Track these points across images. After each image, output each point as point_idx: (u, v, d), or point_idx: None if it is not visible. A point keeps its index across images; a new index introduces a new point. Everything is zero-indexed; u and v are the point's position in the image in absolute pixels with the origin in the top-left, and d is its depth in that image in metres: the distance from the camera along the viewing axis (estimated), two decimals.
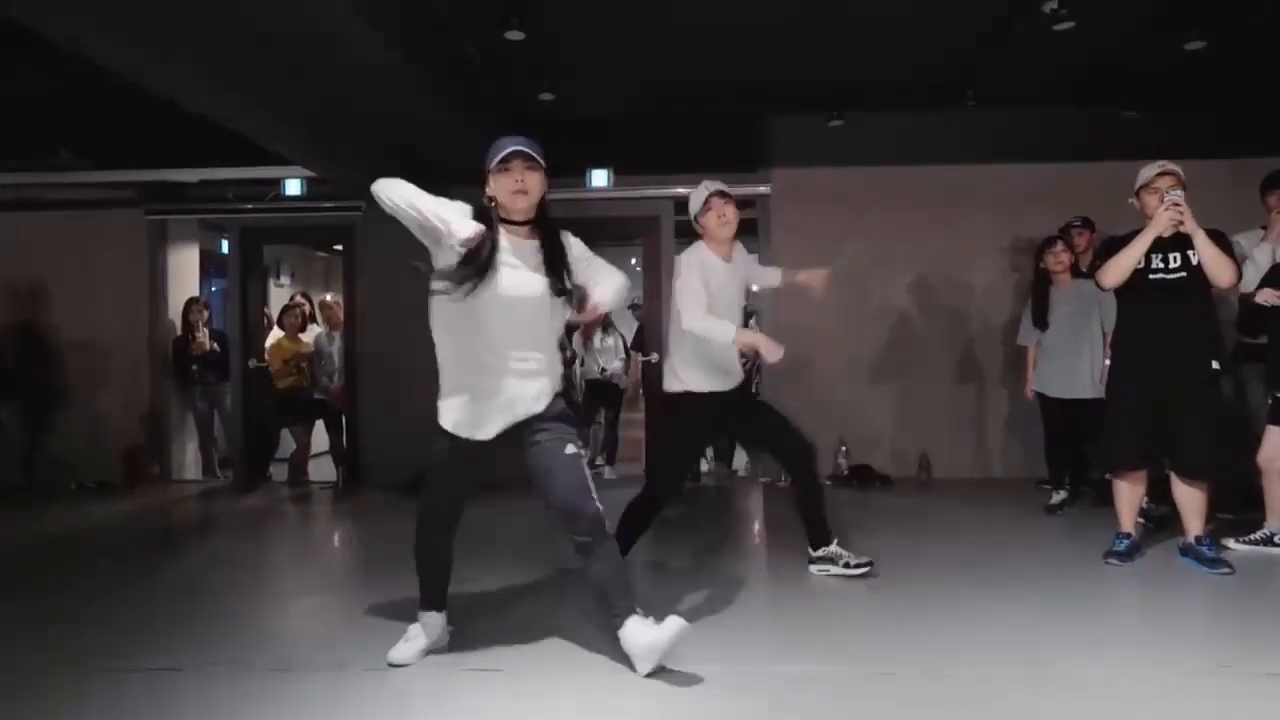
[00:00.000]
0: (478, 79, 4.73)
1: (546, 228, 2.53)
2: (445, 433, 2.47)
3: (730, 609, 3.06)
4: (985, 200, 6.04)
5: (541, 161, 2.46)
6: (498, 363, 2.41)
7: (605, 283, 2.57)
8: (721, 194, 3.28)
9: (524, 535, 4.35)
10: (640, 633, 2.36)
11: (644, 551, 3.62)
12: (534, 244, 2.49)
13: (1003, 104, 5.68)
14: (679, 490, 3.50)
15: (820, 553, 3.43)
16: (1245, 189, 4.46)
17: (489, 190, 2.47)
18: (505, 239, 2.44)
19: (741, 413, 3.47)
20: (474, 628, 2.79)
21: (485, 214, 2.42)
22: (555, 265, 2.48)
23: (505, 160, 2.42)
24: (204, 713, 2.26)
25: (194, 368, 6.51)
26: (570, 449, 2.46)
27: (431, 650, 2.60)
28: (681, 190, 6.25)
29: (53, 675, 2.53)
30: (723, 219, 3.24)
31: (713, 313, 3.13)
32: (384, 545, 4.40)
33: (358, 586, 3.61)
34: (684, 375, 3.27)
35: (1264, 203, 4.27)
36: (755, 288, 3.58)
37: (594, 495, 2.43)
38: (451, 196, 2.38)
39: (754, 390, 6.94)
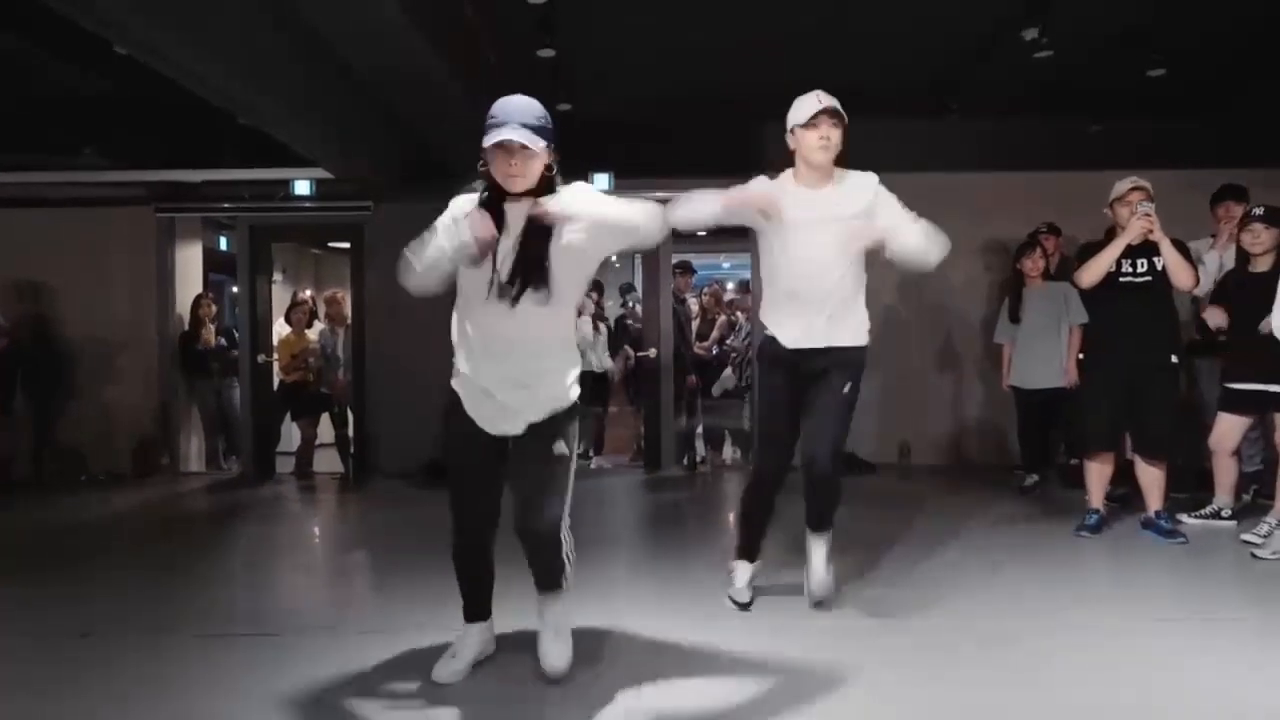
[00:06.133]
0: (501, 86, 4.98)
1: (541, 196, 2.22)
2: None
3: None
4: (962, 204, 6.42)
5: (539, 144, 2.17)
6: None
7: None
8: (834, 111, 2.79)
9: None
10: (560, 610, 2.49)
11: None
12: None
13: (979, 116, 6.12)
14: (779, 464, 2.95)
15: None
16: (1197, 197, 4.94)
17: (485, 163, 2.23)
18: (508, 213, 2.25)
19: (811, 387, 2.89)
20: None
21: (487, 188, 2.26)
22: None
23: (499, 144, 2.16)
24: (308, 673, 2.54)
25: (205, 361, 6.66)
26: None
27: (478, 660, 2.51)
28: (679, 194, 6.61)
29: (157, 641, 2.79)
30: (824, 142, 2.79)
31: (785, 254, 2.82)
32: (410, 527, 4.68)
33: (400, 562, 3.87)
34: (767, 318, 3.00)
35: (1213, 213, 4.75)
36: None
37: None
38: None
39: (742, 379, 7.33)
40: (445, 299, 2.38)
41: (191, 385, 6.83)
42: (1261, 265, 3.91)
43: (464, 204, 2.30)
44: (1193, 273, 3.78)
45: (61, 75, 5.12)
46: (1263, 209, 3.96)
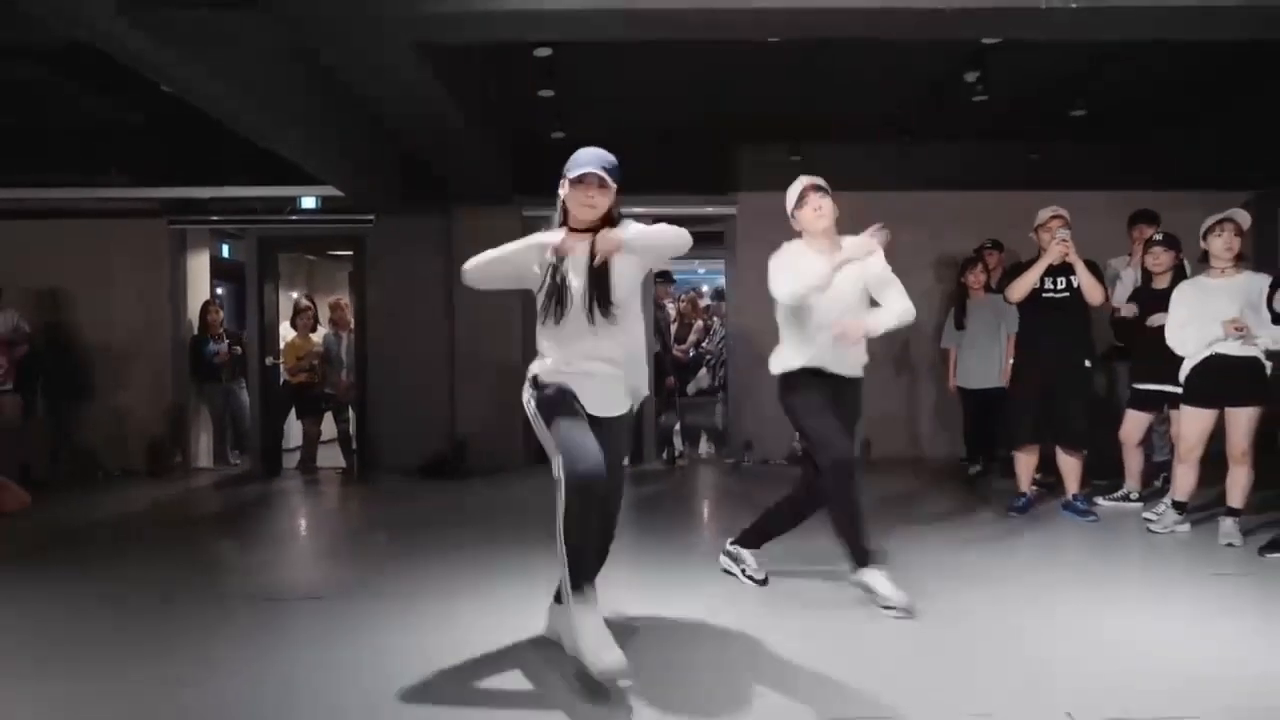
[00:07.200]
0: (501, 116, 5.52)
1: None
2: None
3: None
4: (919, 221, 7.03)
5: (613, 183, 2.64)
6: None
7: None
8: (816, 187, 3.30)
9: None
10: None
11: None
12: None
13: (931, 142, 6.76)
14: (848, 449, 3.31)
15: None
16: (1118, 217, 5.59)
17: (563, 195, 2.68)
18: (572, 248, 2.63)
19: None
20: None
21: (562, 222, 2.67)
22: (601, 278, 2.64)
23: (581, 177, 2.62)
24: (351, 629, 3.06)
25: (215, 364, 7.07)
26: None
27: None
28: (661, 210, 7.15)
29: (216, 606, 3.29)
30: (818, 211, 3.27)
31: (819, 303, 3.21)
32: (415, 516, 5.20)
33: (414, 543, 4.34)
34: (784, 355, 3.44)
35: (1129, 233, 5.40)
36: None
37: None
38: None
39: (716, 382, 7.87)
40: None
41: (200, 387, 7.24)
42: (1161, 283, 4.56)
43: (542, 233, 2.70)
44: (1103, 291, 4.42)
45: (92, 105, 5.54)
46: (1161, 235, 4.60)
